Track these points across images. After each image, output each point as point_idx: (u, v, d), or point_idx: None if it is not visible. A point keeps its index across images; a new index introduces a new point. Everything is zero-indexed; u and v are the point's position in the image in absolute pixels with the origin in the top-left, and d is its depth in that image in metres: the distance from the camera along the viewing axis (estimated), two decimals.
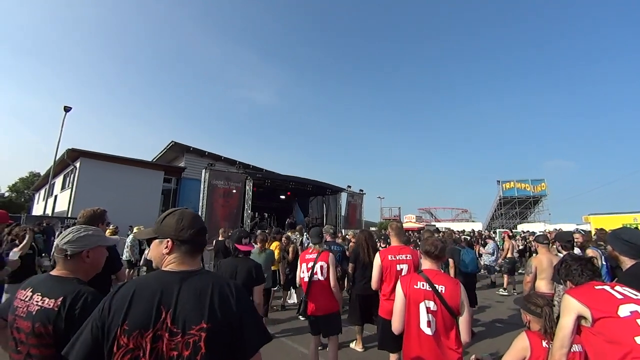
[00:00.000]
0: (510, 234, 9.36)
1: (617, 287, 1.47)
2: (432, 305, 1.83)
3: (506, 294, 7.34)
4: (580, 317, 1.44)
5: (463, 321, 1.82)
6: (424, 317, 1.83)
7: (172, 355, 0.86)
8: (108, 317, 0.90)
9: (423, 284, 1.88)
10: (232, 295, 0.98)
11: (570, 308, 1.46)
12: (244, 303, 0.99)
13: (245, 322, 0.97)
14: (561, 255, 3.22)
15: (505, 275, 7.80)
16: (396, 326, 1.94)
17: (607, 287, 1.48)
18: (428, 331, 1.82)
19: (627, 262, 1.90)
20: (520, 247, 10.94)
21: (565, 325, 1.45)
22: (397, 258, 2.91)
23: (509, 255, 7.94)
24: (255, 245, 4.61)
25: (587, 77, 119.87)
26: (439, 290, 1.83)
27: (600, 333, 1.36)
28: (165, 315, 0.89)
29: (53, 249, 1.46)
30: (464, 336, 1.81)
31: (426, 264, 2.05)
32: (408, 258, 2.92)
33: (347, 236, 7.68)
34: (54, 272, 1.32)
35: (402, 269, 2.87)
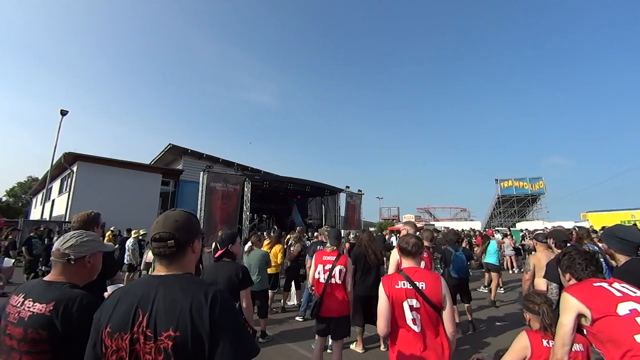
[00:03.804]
0: (493, 233, 9.44)
1: (615, 284, 1.46)
2: (414, 302, 1.84)
3: (486, 291, 7.46)
4: (580, 316, 1.43)
5: (446, 314, 1.83)
6: (408, 315, 1.84)
7: (148, 359, 0.86)
8: (99, 321, 0.94)
9: (404, 283, 1.89)
10: (206, 303, 0.89)
11: (570, 306, 1.45)
12: (221, 313, 0.90)
13: (219, 334, 0.87)
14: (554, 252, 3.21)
15: (486, 274, 7.98)
16: (381, 328, 1.92)
17: (605, 284, 1.47)
18: (415, 328, 1.83)
19: (622, 259, 1.91)
20: (517, 245, 10.95)
21: (566, 323, 1.44)
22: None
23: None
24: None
25: (586, 76, 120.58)
26: (420, 287, 1.85)
27: (600, 331, 1.35)
28: (142, 318, 0.89)
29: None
30: (448, 327, 1.82)
31: (405, 262, 2.05)
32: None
33: (349, 236, 7.63)
34: (47, 277, 1.31)
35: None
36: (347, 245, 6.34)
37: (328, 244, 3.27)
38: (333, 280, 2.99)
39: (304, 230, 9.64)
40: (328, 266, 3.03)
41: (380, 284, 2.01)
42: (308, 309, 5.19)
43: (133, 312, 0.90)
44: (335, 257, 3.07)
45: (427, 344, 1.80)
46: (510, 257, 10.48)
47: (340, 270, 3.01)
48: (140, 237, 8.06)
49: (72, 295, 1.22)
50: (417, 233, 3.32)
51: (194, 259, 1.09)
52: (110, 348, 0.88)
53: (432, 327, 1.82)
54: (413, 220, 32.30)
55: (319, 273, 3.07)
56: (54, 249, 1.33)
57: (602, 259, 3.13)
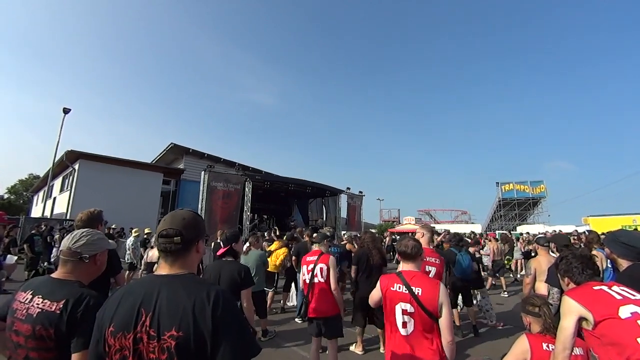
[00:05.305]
0: (496, 236, 9.38)
1: (615, 287, 1.47)
2: (408, 307, 1.82)
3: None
4: (581, 319, 1.43)
5: (443, 322, 1.79)
6: (399, 319, 1.84)
7: (151, 357, 0.86)
8: (102, 320, 0.95)
9: (400, 286, 1.88)
10: (208, 302, 0.90)
11: (571, 310, 1.45)
12: (223, 312, 0.90)
13: (221, 334, 0.88)
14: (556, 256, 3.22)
15: (489, 278, 7.96)
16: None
17: (605, 288, 1.48)
18: (403, 332, 1.82)
19: (624, 264, 1.91)
20: (525, 249, 10.77)
21: (567, 327, 1.44)
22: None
23: (494, 257, 8.02)
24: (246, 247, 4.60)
25: (587, 79, 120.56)
26: (416, 293, 1.83)
27: (602, 335, 1.35)
28: (145, 318, 0.89)
29: (57, 251, 1.45)
30: (445, 336, 1.78)
31: (405, 266, 2.03)
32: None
33: (358, 237, 7.57)
34: (55, 275, 1.32)
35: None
36: (349, 246, 6.33)
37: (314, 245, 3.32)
38: (316, 280, 3.01)
39: (302, 231, 9.64)
40: (311, 266, 3.07)
41: (378, 282, 2.03)
42: None
43: (136, 312, 0.90)
44: (316, 257, 3.11)
45: (417, 349, 1.78)
46: (517, 260, 10.40)
47: (321, 269, 3.03)
48: (145, 237, 8.08)
49: (82, 294, 1.23)
50: (424, 237, 3.30)
51: (197, 258, 1.10)
52: (113, 347, 0.89)
53: (425, 334, 1.80)
54: (419, 223, 32.24)
55: (303, 274, 3.13)
56: (63, 248, 1.33)
57: (609, 265, 3.14)
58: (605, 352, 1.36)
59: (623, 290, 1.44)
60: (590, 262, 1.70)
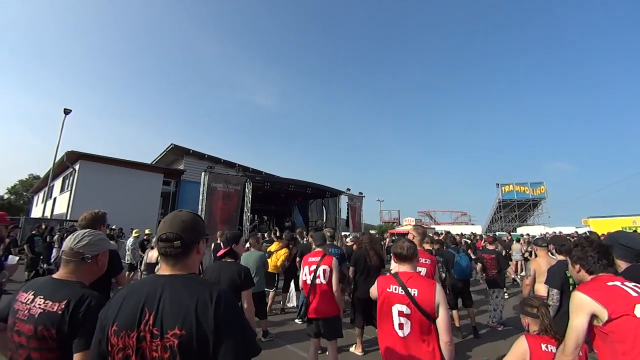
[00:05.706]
0: (493, 238, 9.40)
1: (627, 283, 1.45)
2: (405, 308, 1.82)
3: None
4: (592, 316, 1.41)
5: (440, 322, 1.79)
6: (396, 320, 1.84)
7: (154, 356, 0.88)
8: (104, 320, 0.96)
9: (396, 288, 1.88)
10: (210, 302, 0.91)
11: (584, 306, 1.43)
12: (225, 312, 0.92)
13: (223, 333, 0.89)
14: (556, 258, 3.23)
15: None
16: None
17: (618, 283, 1.46)
18: (400, 333, 1.82)
19: (622, 266, 1.92)
20: (524, 251, 10.72)
21: (579, 324, 1.42)
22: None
23: None
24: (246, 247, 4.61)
25: (587, 79, 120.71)
26: (412, 294, 1.82)
27: (613, 332, 1.34)
28: (149, 317, 0.91)
29: (57, 251, 1.46)
30: (443, 336, 1.78)
31: (401, 267, 2.02)
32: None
33: (349, 241, 7.63)
34: (56, 275, 1.33)
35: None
36: (355, 246, 6.35)
37: (314, 246, 3.31)
38: (318, 281, 3.01)
39: (303, 232, 9.67)
40: (313, 267, 3.07)
41: (375, 283, 2.03)
42: None
43: (140, 311, 0.91)
44: (319, 258, 3.10)
45: (414, 351, 1.78)
46: (517, 262, 10.36)
47: (324, 270, 3.03)
48: (145, 237, 8.08)
49: (83, 295, 1.23)
50: (415, 238, 3.31)
51: (198, 259, 1.11)
52: (116, 346, 0.90)
53: (422, 335, 1.79)
54: (418, 224, 32.17)
55: (305, 275, 3.12)
56: (65, 248, 1.34)
57: None
58: (611, 349, 1.35)
59: (636, 286, 1.43)
60: (606, 252, 1.66)
